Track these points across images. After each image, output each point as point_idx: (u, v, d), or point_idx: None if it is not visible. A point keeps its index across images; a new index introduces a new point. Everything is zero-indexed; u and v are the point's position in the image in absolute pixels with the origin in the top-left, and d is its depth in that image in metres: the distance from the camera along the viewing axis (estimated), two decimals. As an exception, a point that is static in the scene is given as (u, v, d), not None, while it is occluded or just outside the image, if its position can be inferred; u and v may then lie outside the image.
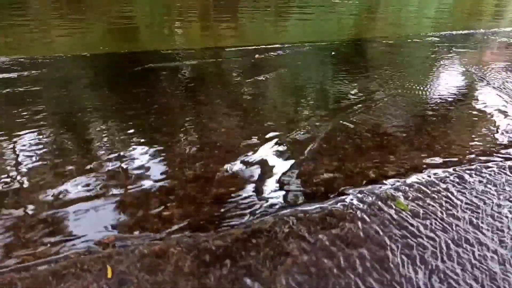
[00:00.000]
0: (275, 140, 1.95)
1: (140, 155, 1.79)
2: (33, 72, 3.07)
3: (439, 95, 2.61)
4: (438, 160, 1.75)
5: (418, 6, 8.65)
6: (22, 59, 3.39)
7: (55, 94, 2.62)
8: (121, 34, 5.35)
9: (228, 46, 4.28)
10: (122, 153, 1.79)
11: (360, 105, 2.44)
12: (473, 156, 1.78)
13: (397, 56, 3.94)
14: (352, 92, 2.70)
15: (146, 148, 1.86)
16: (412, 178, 1.60)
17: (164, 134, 2.01)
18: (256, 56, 3.66)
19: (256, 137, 1.97)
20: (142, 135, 2.00)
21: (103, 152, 1.81)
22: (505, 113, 2.29)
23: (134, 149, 1.85)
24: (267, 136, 1.99)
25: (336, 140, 1.95)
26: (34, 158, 1.72)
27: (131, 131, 2.04)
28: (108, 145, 1.88)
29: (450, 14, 7.83)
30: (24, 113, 2.22)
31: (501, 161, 1.73)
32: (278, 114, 2.29)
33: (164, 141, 1.93)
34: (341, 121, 2.19)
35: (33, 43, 4.51)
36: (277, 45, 4.22)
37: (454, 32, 5.07)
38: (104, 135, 1.99)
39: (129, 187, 1.53)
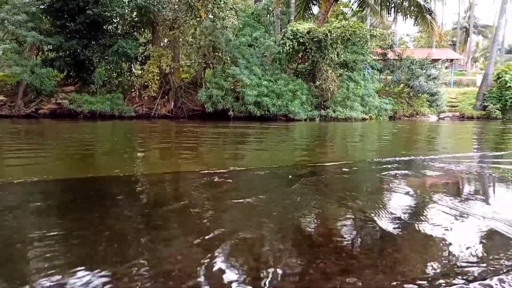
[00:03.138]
0: (235, 267, 1.83)
1: (82, 290, 1.57)
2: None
3: (393, 215, 2.69)
4: (399, 283, 1.69)
5: (360, 141, 9.64)
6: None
7: (-5, 222, 2.40)
8: (80, 160, 5.33)
9: (187, 170, 4.34)
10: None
11: (319, 227, 2.44)
12: (436, 279, 1.75)
13: (348, 178, 4.17)
14: (308, 212, 2.72)
15: (90, 282, 1.65)
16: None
17: (113, 264, 1.83)
18: (215, 179, 3.72)
19: (215, 265, 1.84)
20: (88, 266, 1.80)
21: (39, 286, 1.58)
22: (457, 231, 2.37)
23: (74, 282, 1.63)
24: (223, 263, 1.87)
25: (301, 266, 1.86)
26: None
27: (76, 262, 1.84)
28: (44, 280, 1.66)
29: (392, 144, 8.75)
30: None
31: (464, 284, 1.70)
32: (238, 240, 2.21)
33: (113, 272, 1.74)
34: (303, 245, 2.14)
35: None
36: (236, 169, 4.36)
37: (397, 158, 5.55)
38: (42, 270, 1.77)
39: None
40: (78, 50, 16.44)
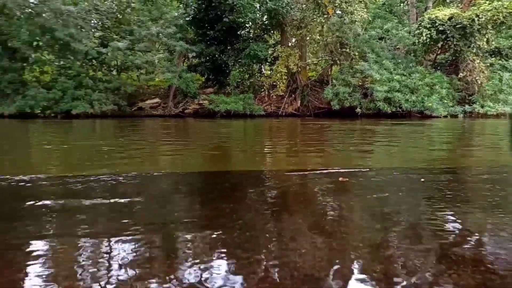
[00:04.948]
0: (357, 268, 1.82)
1: (221, 269, 1.81)
2: (137, 185, 3.51)
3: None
4: None
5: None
6: (132, 174, 3.93)
7: (154, 206, 2.92)
8: (216, 156, 5.94)
9: (313, 168, 4.43)
10: (203, 266, 1.84)
11: (464, 239, 2.22)
12: None
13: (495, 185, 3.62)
14: (451, 224, 2.49)
15: (228, 262, 1.88)
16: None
17: (246, 250, 2.03)
18: (340, 178, 3.70)
19: (338, 263, 1.87)
20: (225, 249, 2.05)
21: (186, 263, 1.88)
22: None
23: (216, 263, 1.88)
24: (347, 262, 1.88)
25: (444, 274, 1.75)
26: (120, 263, 1.85)
27: (215, 244, 2.11)
28: (192, 256, 1.96)
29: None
30: (125, 221, 2.49)
31: None
32: (363, 239, 2.19)
33: (245, 257, 1.94)
34: (444, 253, 1.98)
35: (142, 161, 5.23)
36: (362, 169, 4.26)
37: None
38: (189, 247, 2.09)
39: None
40: (216, 55, 18.26)
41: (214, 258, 1.93)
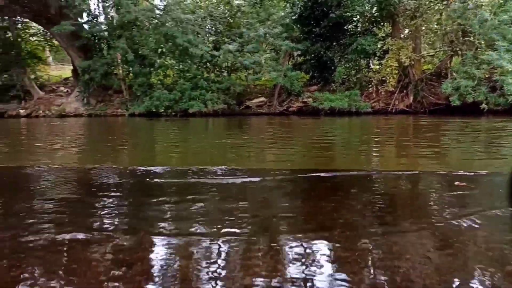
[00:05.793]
0: None
1: (322, 268, 1.83)
2: (243, 180, 3.73)
3: None
4: None
5: None
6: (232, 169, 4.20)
7: (259, 198, 3.09)
8: (320, 155, 5.91)
9: (425, 170, 4.10)
10: (307, 262, 1.88)
11: None
12: None
13: None
14: None
15: (327, 261, 1.89)
16: None
17: (346, 249, 2.01)
18: (456, 183, 3.34)
19: (450, 273, 1.72)
20: (326, 247, 2.06)
21: (292, 261, 1.95)
22: None
23: (317, 260, 1.91)
24: (465, 275, 1.71)
25: None
26: (225, 258, 2.01)
27: (316, 242, 2.14)
28: (293, 255, 2.02)
29: None
30: (235, 212, 2.70)
31: None
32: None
33: (345, 256, 1.93)
34: None
35: (249, 158, 5.52)
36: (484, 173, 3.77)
37: None
38: (290, 243, 2.16)
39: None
40: (322, 52, 18.07)
41: (315, 257, 1.96)
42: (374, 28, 19.53)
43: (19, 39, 19.59)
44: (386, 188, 3.46)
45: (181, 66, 18.52)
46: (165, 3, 18.37)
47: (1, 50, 18.94)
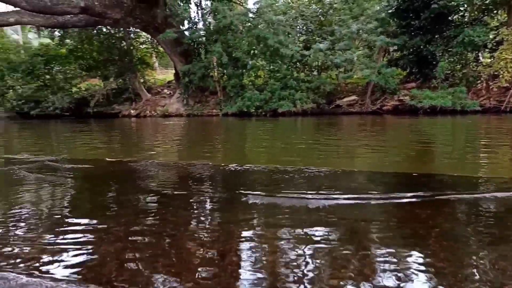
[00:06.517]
0: None
1: (415, 277, 1.73)
2: (325, 183, 3.67)
3: None
4: None
5: None
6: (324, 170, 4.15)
7: (350, 200, 3.02)
8: (416, 156, 5.52)
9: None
10: (394, 267, 1.80)
11: None
12: None
13: None
14: None
15: (422, 271, 1.78)
16: None
17: (440, 260, 1.86)
18: None
19: None
20: (419, 257, 1.93)
21: (380, 264, 1.89)
22: None
23: (409, 269, 1.81)
24: None
25: None
26: (309, 259, 2.02)
27: (408, 249, 2.02)
28: (383, 258, 1.94)
29: None
30: (321, 213, 2.68)
31: None
32: None
33: (439, 267, 1.79)
34: None
35: (338, 158, 5.41)
36: None
37: None
38: (382, 249, 2.08)
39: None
40: (421, 47, 16.69)
41: (407, 265, 1.86)
42: (485, 17, 17.41)
43: (132, 48, 22.17)
44: (496, 197, 3.07)
45: (271, 67, 18.91)
46: (258, 6, 18.92)
47: (118, 58, 21.68)
